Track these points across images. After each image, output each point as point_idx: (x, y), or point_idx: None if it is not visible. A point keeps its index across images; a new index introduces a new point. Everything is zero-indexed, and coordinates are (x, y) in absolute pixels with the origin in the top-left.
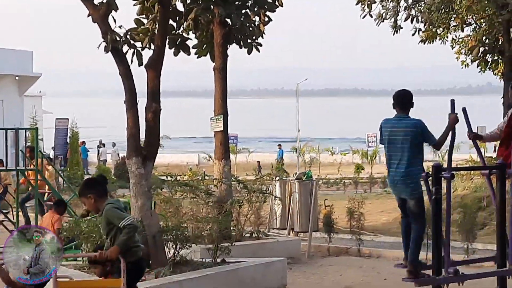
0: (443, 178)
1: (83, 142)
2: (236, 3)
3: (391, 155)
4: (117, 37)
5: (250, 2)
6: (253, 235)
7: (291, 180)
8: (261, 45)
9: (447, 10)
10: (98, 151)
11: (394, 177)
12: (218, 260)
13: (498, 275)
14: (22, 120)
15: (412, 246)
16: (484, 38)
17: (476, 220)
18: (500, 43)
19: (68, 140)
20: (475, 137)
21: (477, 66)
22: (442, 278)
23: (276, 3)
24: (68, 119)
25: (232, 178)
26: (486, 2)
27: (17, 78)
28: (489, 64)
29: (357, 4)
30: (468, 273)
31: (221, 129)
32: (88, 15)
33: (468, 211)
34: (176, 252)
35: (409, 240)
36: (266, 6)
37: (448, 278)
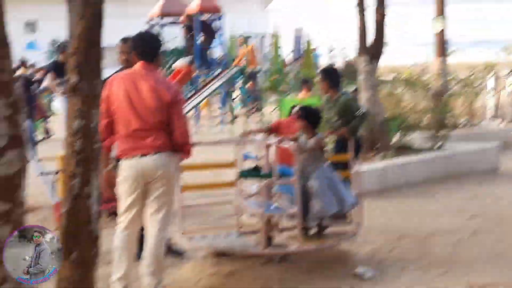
0: None
1: (315, 48)
2: None
3: None
4: None
5: None
6: (467, 124)
7: (505, 75)
8: None
9: None
10: (329, 56)
11: None
12: (437, 146)
13: None
14: (265, 32)
15: None
16: None
17: None
18: None
19: (300, 47)
20: None
21: None
22: None
23: None
24: (302, 28)
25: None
26: None
27: None
28: None
29: None
30: None
31: (443, 27)
32: None
33: None
34: (400, 138)
35: None
36: None
37: None
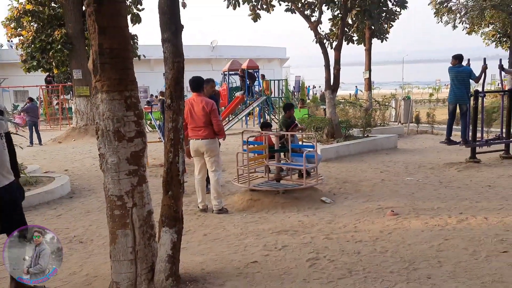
0: (479, 96)
1: (306, 86)
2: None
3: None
4: (321, 36)
5: (383, 17)
6: (381, 124)
7: (401, 99)
8: (388, 38)
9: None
10: (313, 90)
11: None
12: (365, 135)
13: (506, 142)
14: (281, 78)
15: (462, 129)
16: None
17: (492, 116)
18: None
19: (299, 85)
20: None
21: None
22: (477, 142)
23: (395, 17)
24: (300, 76)
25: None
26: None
27: (279, 59)
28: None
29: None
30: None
31: (367, 76)
32: (308, 27)
33: (488, 112)
34: (346, 131)
35: (450, 129)
36: (390, 18)
37: (482, 142)
